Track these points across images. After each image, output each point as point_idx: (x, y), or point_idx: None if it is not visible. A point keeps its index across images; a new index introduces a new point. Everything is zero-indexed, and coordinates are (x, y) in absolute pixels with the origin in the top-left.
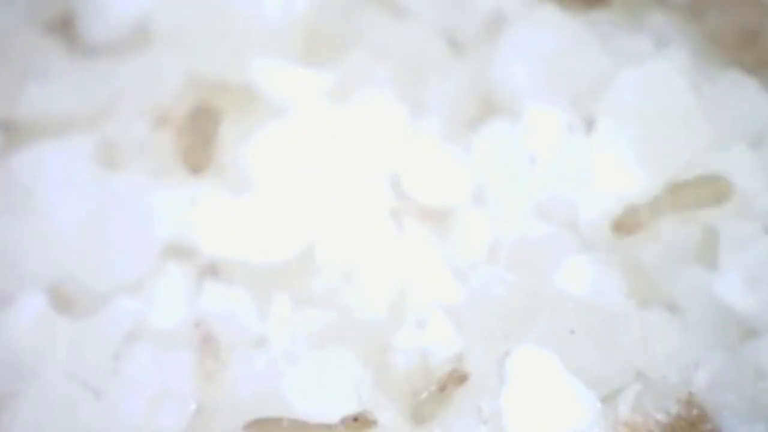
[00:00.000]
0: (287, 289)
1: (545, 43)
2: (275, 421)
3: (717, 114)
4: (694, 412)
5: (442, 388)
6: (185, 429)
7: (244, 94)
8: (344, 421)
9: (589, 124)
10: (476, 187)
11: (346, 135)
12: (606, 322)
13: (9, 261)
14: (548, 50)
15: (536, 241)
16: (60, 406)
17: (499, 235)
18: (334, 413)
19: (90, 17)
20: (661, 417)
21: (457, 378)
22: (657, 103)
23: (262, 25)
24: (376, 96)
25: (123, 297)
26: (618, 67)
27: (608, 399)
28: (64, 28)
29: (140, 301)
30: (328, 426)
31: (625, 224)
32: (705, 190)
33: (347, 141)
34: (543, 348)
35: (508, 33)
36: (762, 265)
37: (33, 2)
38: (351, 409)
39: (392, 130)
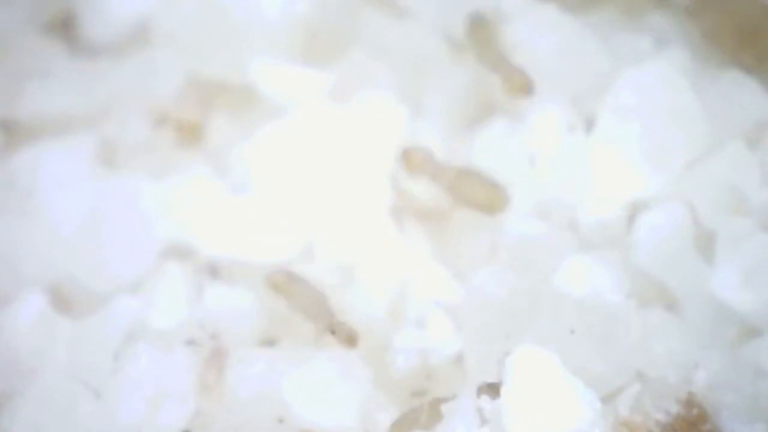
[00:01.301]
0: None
1: (545, 43)
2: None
3: (717, 113)
4: (694, 412)
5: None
6: (185, 429)
7: (244, 94)
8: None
9: (589, 124)
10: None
11: (346, 135)
12: (606, 322)
13: (9, 261)
14: (548, 50)
15: (536, 241)
16: (60, 406)
17: (499, 235)
18: (334, 414)
19: (90, 17)
20: (661, 417)
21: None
22: (657, 103)
23: (262, 25)
24: (376, 96)
25: (123, 297)
26: (618, 67)
27: (608, 399)
28: (64, 28)
29: (140, 301)
30: None
31: (411, 161)
32: (483, 191)
33: (347, 141)
34: (543, 348)
35: (509, 33)
36: (759, 261)
37: (33, 2)
38: (351, 409)
39: (392, 130)
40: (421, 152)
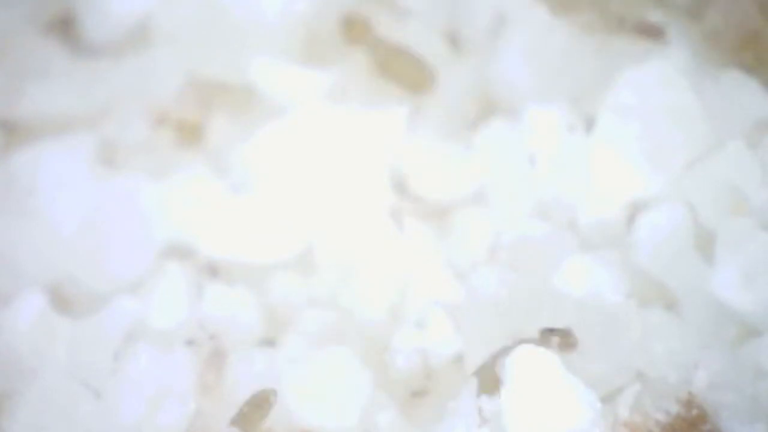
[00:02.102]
0: (287, 289)
1: (545, 43)
2: None
3: (717, 114)
4: (694, 412)
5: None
6: (185, 429)
7: (244, 94)
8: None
9: (589, 124)
10: (476, 187)
11: (346, 135)
12: (606, 322)
13: (9, 261)
14: (548, 50)
15: (536, 241)
16: (60, 406)
17: (499, 235)
18: (334, 414)
19: (90, 17)
20: (661, 417)
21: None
22: (657, 103)
23: (261, 25)
24: (376, 96)
25: (123, 297)
26: (618, 67)
27: (608, 399)
28: (64, 28)
29: (140, 301)
30: None
31: (352, 31)
32: (411, 70)
33: (347, 141)
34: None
35: (509, 33)
36: (759, 261)
37: (33, 2)
38: (351, 409)
39: (392, 130)
40: (363, 22)
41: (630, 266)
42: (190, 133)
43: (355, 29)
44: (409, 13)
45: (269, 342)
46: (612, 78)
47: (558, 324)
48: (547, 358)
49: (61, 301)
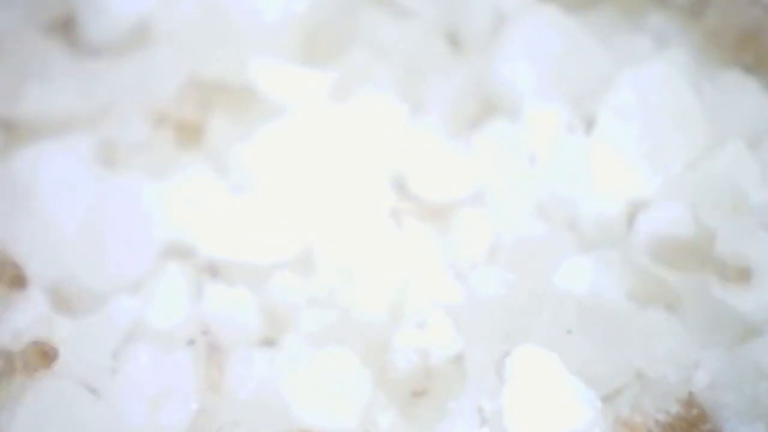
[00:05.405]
0: (287, 289)
1: (545, 43)
2: None
3: (717, 114)
4: (694, 412)
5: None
6: (186, 429)
7: (244, 94)
8: None
9: (589, 124)
10: (476, 187)
11: (346, 135)
12: (606, 322)
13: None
14: (548, 50)
15: (536, 241)
16: (60, 406)
17: (499, 235)
18: (334, 414)
19: (90, 17)
20: (660, 417)
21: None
22: (657, 103)
23: (262, 25)
24: (376, 96)
25: (122, 297)
26: (618, 67)
27: (608, 399)
28: (64, 28)
29: (140, 301)
30: None
31: None
32: None
33: (347, 141)
34: (543, 348)
35: (509, 33)
36: (758, 261)
37: (33, 2)
38: (351, 409)
39: (392, 130)
40: None
41: (630, 266)
42: (190, 133)
43: None
44: (409, 13)
45: (269, 342)
46: (612, 78)
47: (559, 324)
48: (547, 358)
49: (62, 300)
